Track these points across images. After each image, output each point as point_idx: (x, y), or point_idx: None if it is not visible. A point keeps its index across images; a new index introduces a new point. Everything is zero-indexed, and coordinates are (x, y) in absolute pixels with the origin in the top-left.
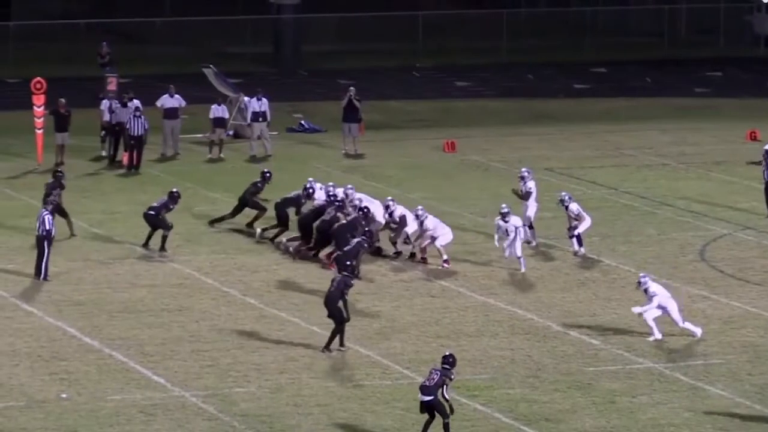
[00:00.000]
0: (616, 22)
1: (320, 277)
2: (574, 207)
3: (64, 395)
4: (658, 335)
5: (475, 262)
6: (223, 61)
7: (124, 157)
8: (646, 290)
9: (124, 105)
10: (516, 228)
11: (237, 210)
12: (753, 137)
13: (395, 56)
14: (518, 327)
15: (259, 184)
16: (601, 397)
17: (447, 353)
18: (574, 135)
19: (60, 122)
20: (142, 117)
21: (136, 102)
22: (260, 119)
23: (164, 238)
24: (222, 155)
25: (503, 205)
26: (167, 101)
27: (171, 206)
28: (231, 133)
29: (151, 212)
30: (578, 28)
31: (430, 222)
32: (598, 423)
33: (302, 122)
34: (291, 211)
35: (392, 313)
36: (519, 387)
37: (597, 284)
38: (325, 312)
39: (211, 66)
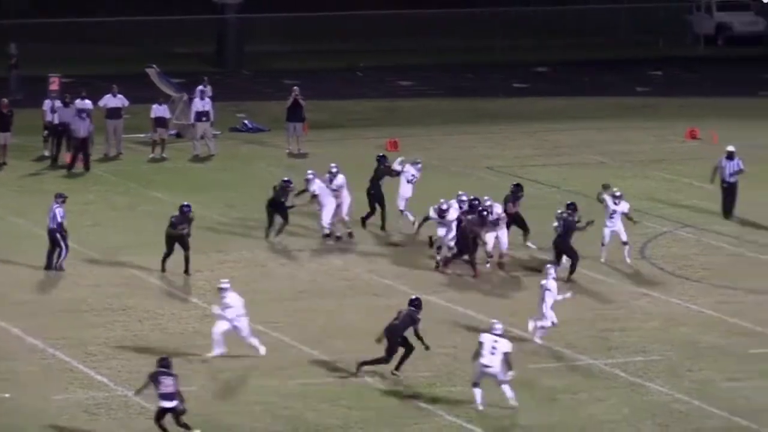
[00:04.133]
0: (556, 21)
1: (264, 275)
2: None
3: (6, 395)
4: (218, 351)
5: (416, 261)
6: (166, 61)
7: (66, 157)
8: (223, 299)
9: (66, 105)
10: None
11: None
12: (692, 136)
13: (339, 56)
14: (459, 325)
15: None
16: (542, 394)
17: (413, 296)
18: (515, 134)
19: (2, 122)
20: (88, 119)
21: (87, 103)
22: (203, 119)
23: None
24: (165, 155)
25: (442, 200)
26: (110, 101)
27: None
28: (174, 132)
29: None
30: (518, 27)
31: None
32: (540, 420)
33: (246, 122)
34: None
35: (336, 311)
36: (461, 385)
37: (532, 283)
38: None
39: (153, 66)
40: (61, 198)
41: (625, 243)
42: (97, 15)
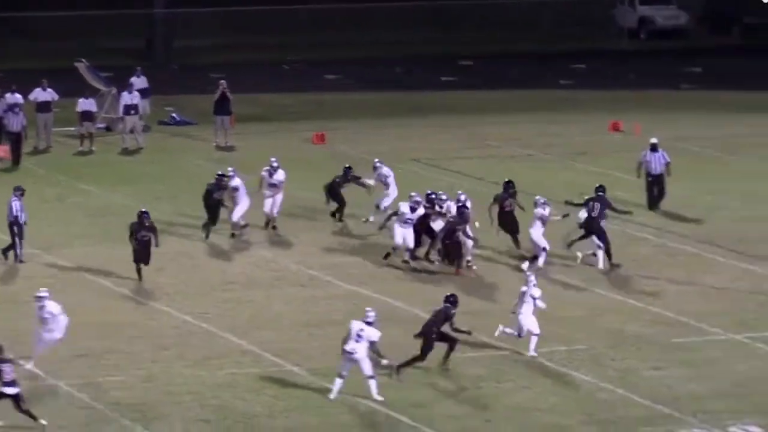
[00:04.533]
0: (482, 15)
1: (193, 267)
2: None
3: None
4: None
5: (343, 251)
6: (95, 56)
7: (0, 150)
8: (41, 309)
9: None
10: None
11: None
12: (616, 128)
13: (266, 50)
14: (386, 315)
15: (338, 179)
16: (468, 382)
17: (449, 294)
18: (441, 127)
19: None
20: (21, 113)
21: (18, 97)
22: (132, 112)
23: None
24: (93, 148)
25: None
26: (40, 95)
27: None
28: (104, 126)
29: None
30: (446, 21)
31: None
32: (465, 409)
33: (173, 115)
34: None
35: (263, 302)
36: (386, 375)
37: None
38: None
39: (83, 60)
40: (18, 191)
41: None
42: (27, 10)
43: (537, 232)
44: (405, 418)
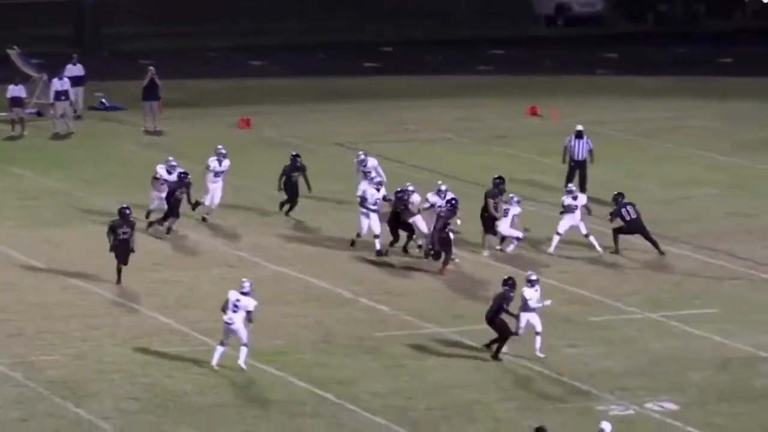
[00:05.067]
0: (403, 3)
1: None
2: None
3: None
4: None
5: (270, 234)
6: (26, 43)
7: None
8: None
9: None
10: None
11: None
12: (533, 113)
13: (193, 37)
14: (311, 295)
15: (286, 168)
16: (390, 360)
17: (507, 277)
18: (364, 111)
19: None
20: None
21: None
22: (62, 98)
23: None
24: (25, 132)
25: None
26: None
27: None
28: (35, 111)
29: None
30: (368, 8)
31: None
32: (388, 386)
33: (103, 101)
34: None
35: (191, 282)
36: (312, 352)
37: (388, 253)
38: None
39: (15, 47)
40: None
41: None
42: None
43: (505, 225)
44: (330, 395)
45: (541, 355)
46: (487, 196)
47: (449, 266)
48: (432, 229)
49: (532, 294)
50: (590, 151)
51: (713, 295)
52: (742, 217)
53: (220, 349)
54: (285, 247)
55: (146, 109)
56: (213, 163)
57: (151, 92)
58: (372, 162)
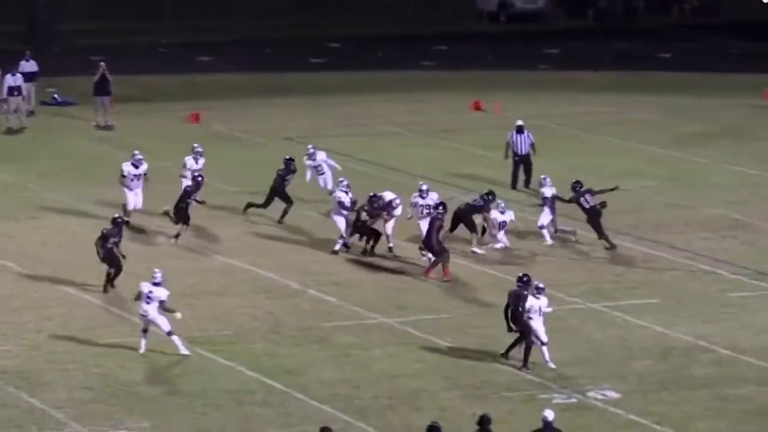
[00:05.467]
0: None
1: (74, 241)
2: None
3: None
4: None
5: (219, 226)
6: None
7: None
8: None
9: None
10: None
11: (269, 200)
12: (477, 107)
13: (143, 34)
14: (260, 286)
15: (281, 172)
16: (337, 350)
17: (522, 274)
18: (311, 106)
19: None
20: None
21: None
22: (15, 93)
23: None
24: None
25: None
26: None
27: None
28: None
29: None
30: (314, 5)
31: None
32: (336, 375)
33: (55, 96)
34: None
35: (142, 274)
36: (261, 342)
37: (334, 245)
38: None
39: None
40: None
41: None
42: None
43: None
44: (278, 384)
45: (553, 366)
46: (483, 210)
47: (449, 270)
48: (428, 235)
49: (538, 303)
50: (532, 145)
51: (653, 285)
52: (680, 209)
53: (143, 338)
54: (233, 239)
55: (97, 104)
56: (190, 161)
57: (102, 88)
58: (321, 155)
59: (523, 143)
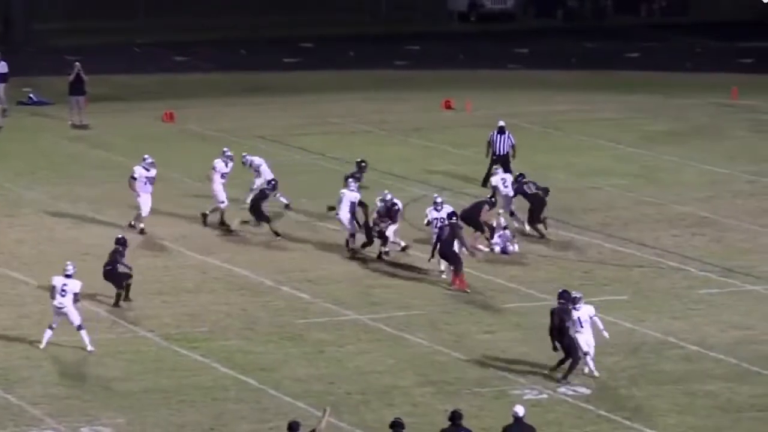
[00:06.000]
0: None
1: (50, 238)
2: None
3: None
4: None
5: (193, 223)
6: None
7: None
8: None
9: None
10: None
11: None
12: (448, 106)
13: (118, 33)
14: (234, 284)
15: (356, 174)
16: (311, 347)
17: (561, 290)
18: (285, 105)
19: None
20: None
21: None
22: None
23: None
24: None
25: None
26: None
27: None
28: None
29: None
30: (288, 5)
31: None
32: (309, 371)
33: (31, 95)
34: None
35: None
36: (235, 339)
37: (307, 243)
38: None
39: None
40: None
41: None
42: None
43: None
44: (253, 381)
45: (597, 374)
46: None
47: (463, 277)
48: (445, 244)
49: (582, 313)
50: (512, 146)
51: (623, 282)
52: (649, 207)
53: (48, 332)
54: (208, 237)
55: (72, 103)
56: (220, 164)
57: (77, 87)
58: (257, 161)
59: (502, 144)
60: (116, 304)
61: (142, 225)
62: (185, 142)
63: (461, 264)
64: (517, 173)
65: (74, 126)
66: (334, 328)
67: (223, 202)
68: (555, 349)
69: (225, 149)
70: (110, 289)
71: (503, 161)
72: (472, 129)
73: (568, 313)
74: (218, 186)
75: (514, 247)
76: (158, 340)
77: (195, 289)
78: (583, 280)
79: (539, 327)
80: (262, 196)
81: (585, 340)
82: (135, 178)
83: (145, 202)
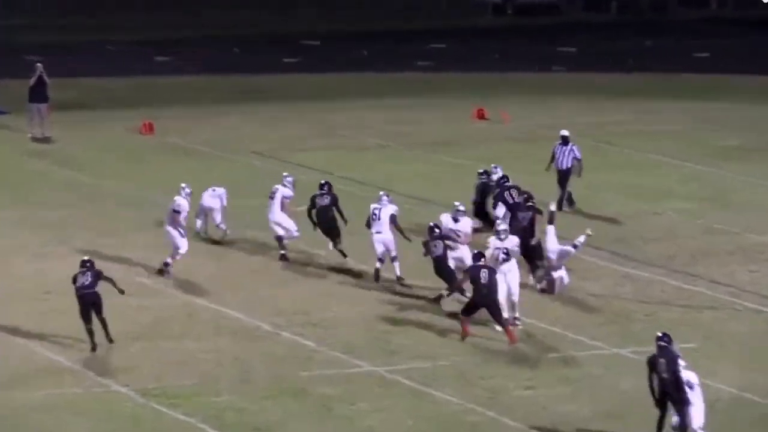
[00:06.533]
0: None
1: (5, 273)
2: None
3: None
4: None
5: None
6: None
7: None
8: None
9: None
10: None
11: None
12: (480, 116)
13: (88, 30)
14: (225, 327)
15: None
16: (316, 404)
17: (660, 333)
18: (284, 114)
19: None
20: None
21: None
22: None
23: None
24: None
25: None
26: None
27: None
28: None
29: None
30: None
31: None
32: None
33: None
34: None
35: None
36: (226, 394)
37: (312, 279)
38: None
39: None
40: None
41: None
42: None
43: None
44: None
45: None
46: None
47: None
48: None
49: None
50: (576, 160)
51: (691, 326)
52: (721, 236)
53: None
54: (194, 272)
55: (33, 112)
56: (286, 192)
57: (38, 93)
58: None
59: (564, 157)
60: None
61: (169, 262)
62: (166, 158)
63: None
64: (500, 176)
65: (35, 139)
66: (343, 382)
67: (297, 231)
68: (662, 407)
69: (285, 174)
70: (79, 334)
71: (562, 178)
72: (509, 143)
73: (674, 359)
74: (285, 216)
75: (563, 279)
76: (134, 395)
77: (179, 334)
78: (644, 324)
79: (590, 380)
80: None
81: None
82: (178, 212)
83: (185, 241)
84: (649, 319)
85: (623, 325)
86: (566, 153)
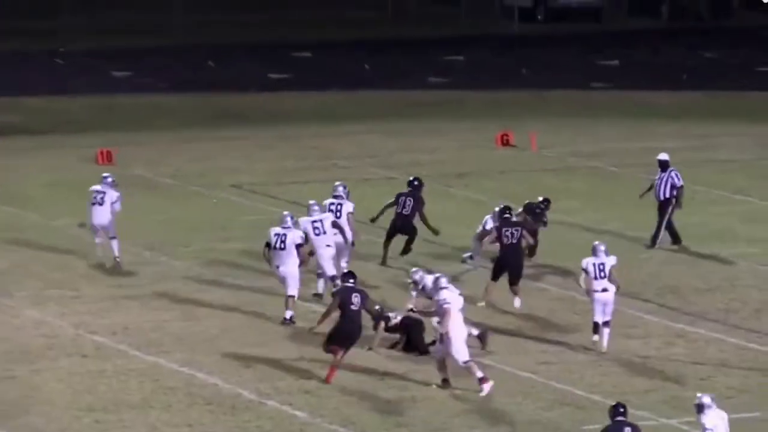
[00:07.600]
0: None
1: None
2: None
3: None
4: None
5: (140, 308)
6: None
7: None
8: None
9: None
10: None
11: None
12: (505, 141)
13: (33, 37)
14: (198, 395)
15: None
16: None
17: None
18: (271, 140)
19: None
20: None
21: None
22: None
23: None
24: None
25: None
26: None
27: None
28: None
29: None
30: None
31: None
32: None
33: None
34: None
35: (32, 378)
36: None
37: (301, 336)
38: None
39: None
40: None
41: None
42: None
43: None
44: None
45: None
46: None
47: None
48: None
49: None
50: (676, 188)
51: (754, 393)
52: None
53: None
54: (161, 328)
55: None
56: (309, 227)
57: None
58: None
59: (663, 186)
60: None
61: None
62: (128, 193)
63: None
64: (502, 206)
65: None
66: None
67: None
68: None
69: (311, 202)
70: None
71: (662, 209)
72: (538, 174)
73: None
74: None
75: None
76: None
77: (142, 404)
78: (699, 389)
79: None
80: None
81: None
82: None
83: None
84: (705, 383)
85: (673, 392)
86: (664, 180)
